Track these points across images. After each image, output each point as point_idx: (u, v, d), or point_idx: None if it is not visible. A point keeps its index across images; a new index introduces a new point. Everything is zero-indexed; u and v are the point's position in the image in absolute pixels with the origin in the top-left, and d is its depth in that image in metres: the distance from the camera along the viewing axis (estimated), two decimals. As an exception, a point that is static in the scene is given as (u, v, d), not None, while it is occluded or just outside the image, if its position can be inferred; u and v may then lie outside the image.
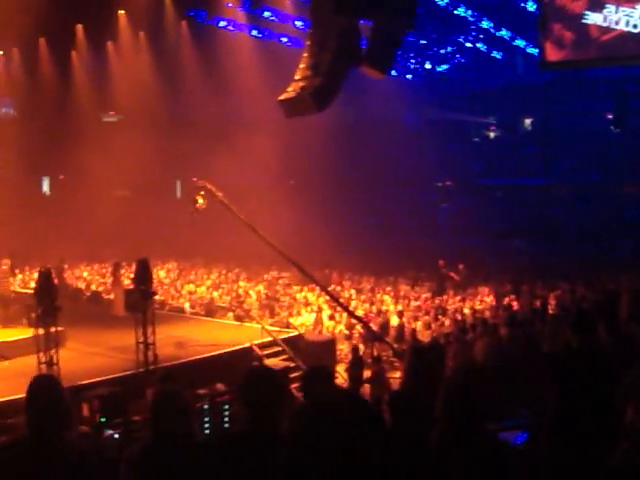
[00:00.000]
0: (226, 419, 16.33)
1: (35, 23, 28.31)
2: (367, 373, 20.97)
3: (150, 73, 37.94)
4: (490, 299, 28.42)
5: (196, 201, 25.33)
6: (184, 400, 5.46)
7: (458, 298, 28.92)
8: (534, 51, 40.89)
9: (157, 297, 23.59)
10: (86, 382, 17.61)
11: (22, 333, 21.52)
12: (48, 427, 4.89)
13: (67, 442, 5.02)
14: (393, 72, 31.17)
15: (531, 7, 35.49)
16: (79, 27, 36.24)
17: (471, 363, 7.77)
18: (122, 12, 34.86)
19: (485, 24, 39.81)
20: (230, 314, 28.21)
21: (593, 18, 22.71)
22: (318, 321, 26.81)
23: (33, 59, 36.98)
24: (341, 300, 27.46)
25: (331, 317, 27.08)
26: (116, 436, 14.45)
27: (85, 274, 38.04)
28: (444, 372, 7.42)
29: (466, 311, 26.61)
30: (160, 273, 35.33)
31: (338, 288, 31.26)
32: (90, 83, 39.34)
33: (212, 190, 25.21)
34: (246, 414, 5.16)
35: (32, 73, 37.17)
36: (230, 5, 34.74)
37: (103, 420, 15.96)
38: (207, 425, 16.12)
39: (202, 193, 25.33)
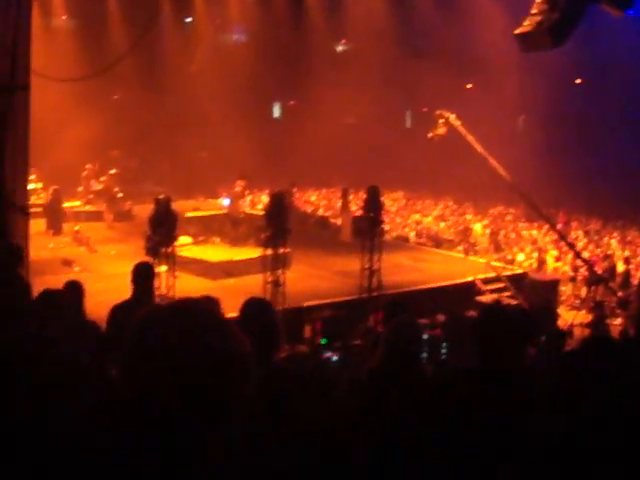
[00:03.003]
0: (443, 351, 16.19)
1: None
2: (588, 317, 20.56)
3: (383, 2, 37.72)
4: None
5: (437, 127, 25.12)
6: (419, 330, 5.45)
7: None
8: None
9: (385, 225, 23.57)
10: (309, 304, 17.97)
11: (249, 253, 22.10)
12: (260, 348, 4.91)
13: (275, 363, 5.06)
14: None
15: None
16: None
17: None
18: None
19: None
20: (460, 247, 28.11)
21: None
22: (543, 260, 26.33)
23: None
24: (568, 240, 26.79)
25: (557, 257, 26.51)
26: (334, 359, 14.65)
27: (313, 198, 38.72)
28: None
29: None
30: (387, 201, 35.49)
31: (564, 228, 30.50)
32: (323, 11, 39.46)
33: (451, 119, 24.93)
34: (478, 350, 4.99)
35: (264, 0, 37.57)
36: None
37: (323, 342, 16.25)
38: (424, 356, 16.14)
39: (442, 121, 25.08)
